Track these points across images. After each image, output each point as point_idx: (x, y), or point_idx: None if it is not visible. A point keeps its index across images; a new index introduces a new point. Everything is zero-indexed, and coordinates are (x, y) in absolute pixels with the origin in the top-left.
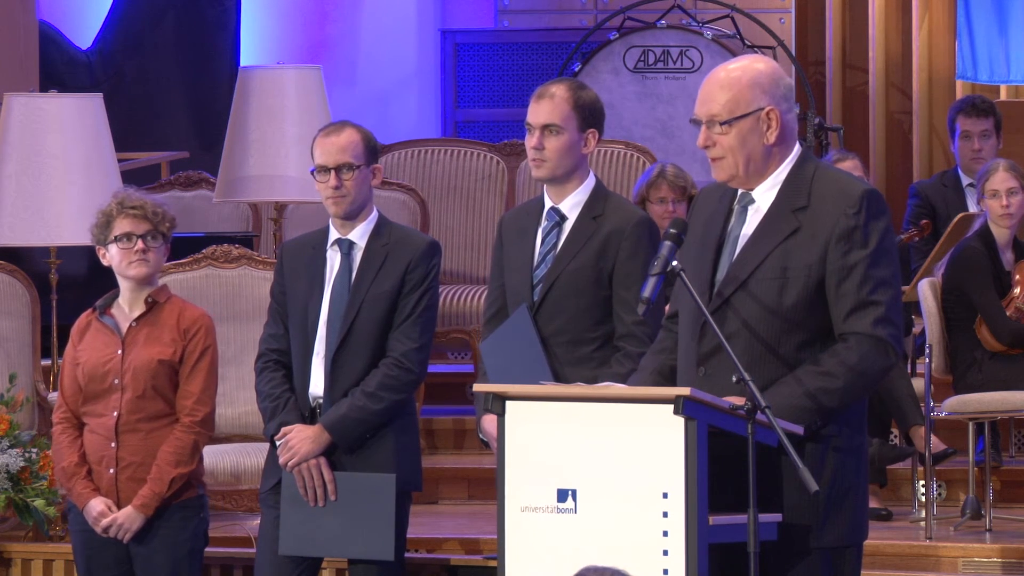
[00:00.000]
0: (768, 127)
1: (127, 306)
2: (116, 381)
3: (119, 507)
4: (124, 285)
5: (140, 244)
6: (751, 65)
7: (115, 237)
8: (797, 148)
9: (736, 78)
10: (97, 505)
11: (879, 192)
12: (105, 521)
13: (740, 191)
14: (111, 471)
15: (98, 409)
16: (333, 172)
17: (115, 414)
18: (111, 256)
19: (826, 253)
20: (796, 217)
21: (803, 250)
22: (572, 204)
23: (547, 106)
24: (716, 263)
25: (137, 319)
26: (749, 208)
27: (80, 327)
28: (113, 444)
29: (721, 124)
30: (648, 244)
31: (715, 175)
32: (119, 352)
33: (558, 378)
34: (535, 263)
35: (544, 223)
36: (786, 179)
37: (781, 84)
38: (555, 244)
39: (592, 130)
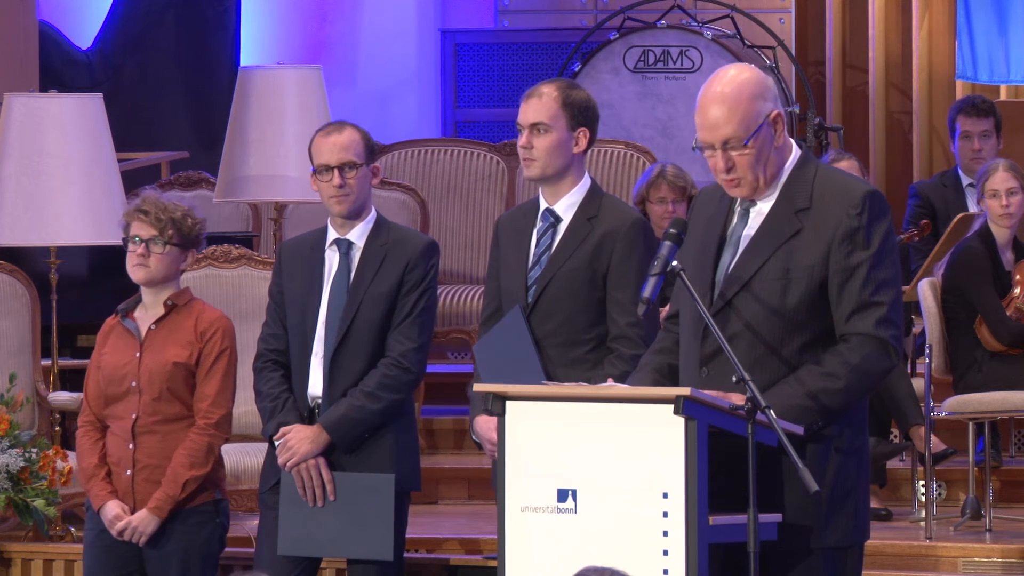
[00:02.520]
0: (776, 131)
1: (147, 309)
2: (134, 384)
3: (135, 509)
4: (143, 288)
5: (141, 248)
6: (739, 77)
7: (124, 238)
8: (797, 149)
9: (735, 95)
10: (112, 508)
11: (881, 192)
12: (120, 524)
13: None
14: (128, 473)
15: (118, 412)
16: (336, 171)
17: (133, 416)
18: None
19: (829, 254)
20: (798, 218)
21: (806, 251)
22: (567, 205)
23: (535, 105)
24: (717, 264)
25: (156, 322)
26: (751, 209)
27: (104, 331)
28: (131, 446)
29: (743, 145)
30: (643, 245)
31: (735, 194)
32: (137, 355)
33: (551, 380)
34: (530, 264)
35: (539, 224)
36: (787, 180)
37: (770, 85)
38: (550, 245)
39: (583, 129)
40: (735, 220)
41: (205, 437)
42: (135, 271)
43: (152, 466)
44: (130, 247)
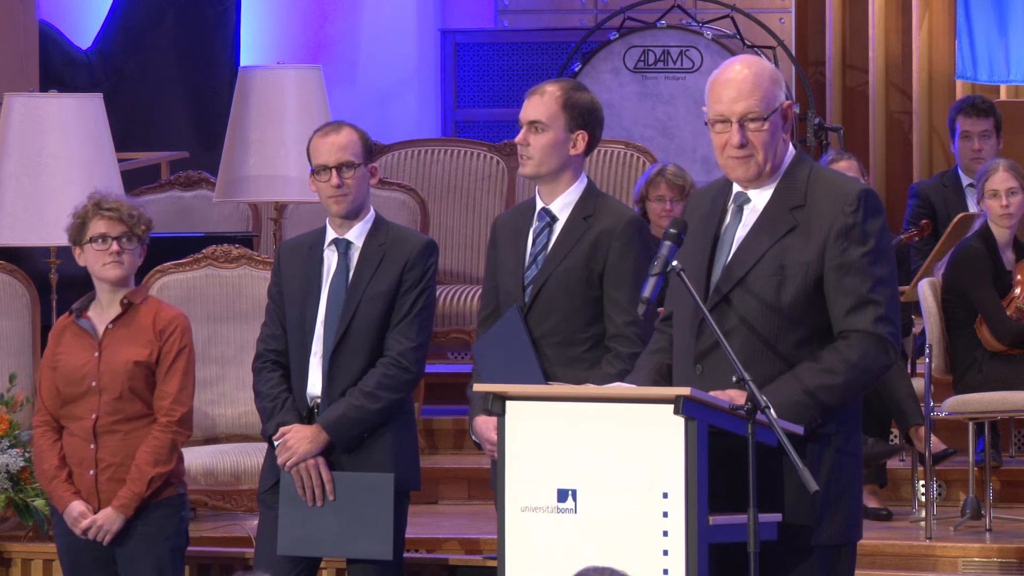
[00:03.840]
0: (786, 120)
1: (104, 308)
2: (93, 384)
3: (100, 509)
4: (100, 287)
5: (115, 246)
6: (759, 62)
7: (90, 238)
8: (792, 148)
9: (759, 74)
10: (77, 507)
11: (875, 191)
12: (84, 523)
13: (735, 191)
14: (91, 473)
15: (76, 412)
16: (334, 171)
17: (93, 416)
18: (86, 257)
19: (824, 251)
20: (793, 215)
21: (801, 248)
22: (563, 205)
23: (536, 103)
24: (711, 262)
25: (113, 321)
26: (745, 207)
27: (57, 330)
28: (92, 446)
29: (763, 120)
30: (639, 244)
31: (739, 174)
32: (96, 355)
33: (549, 379)
34: (526, 264)
35: (535, 223)
36: (782, 178)
37: (783, 79)
38: (546, 245)
39: (582, 131)
40: (728, 218)
41: (168, 434)
42: (109, 269)
43: (115, 465)
44: (97, 246)
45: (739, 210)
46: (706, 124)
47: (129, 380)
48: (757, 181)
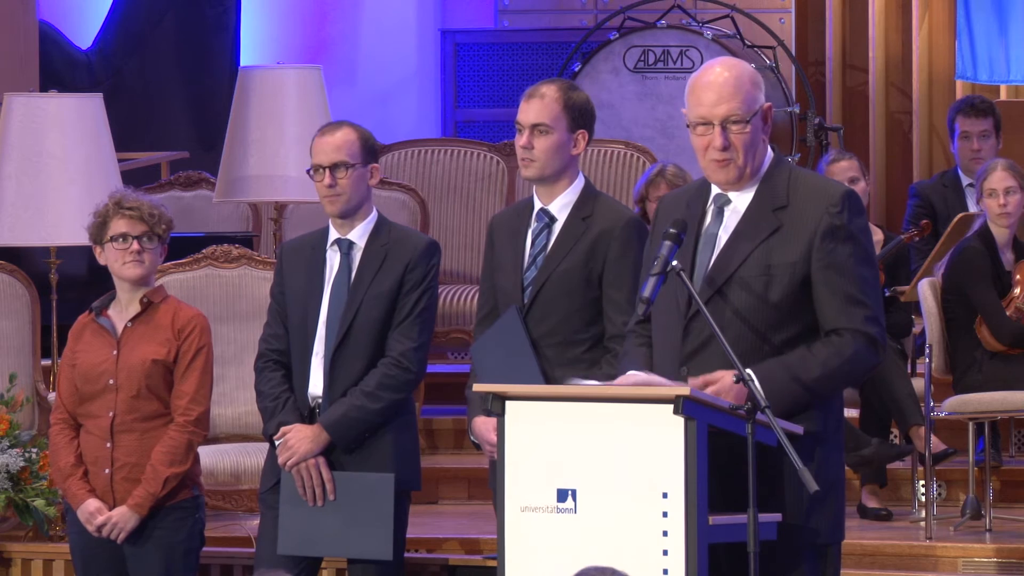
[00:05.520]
0: (765, 122)
1: (123, 307)
2: (111, 382)
3: (115, 508)
4: (120, 286)
5: (135, 245)
6: (739, 64)
7: (111, 237)
8: (770, 151)
9: (739, 77)
10: (92, 504)
11: (856, 192)
12: (98, 520)
13: (714, 192)
14: (107, 471)
15: (94, 410)
16: (327, 171)
17: (110, 414)
18: (107, 256)
19: (811, 251)
20: (776, 216)
21: (786, 248)
22: (561, 205)
23: (537, 106)
24: (693, 265)
25: (132, 319)
26: (726, 209)
27: (77, 329)
28: (108, 444)
29: (745, 122)
30: (637, 244)
31: (720, 177)
32: (114, 353)
33: (549, 380)
34: (525, 265)
35: (534, 224)
36: (762, 180)
37: (762, 80)
38: (545, 245)
39: (582, 131)
40: (709, 220)
41: (184, 434)
42: (129, 268)
43: (131, 464)
44: (117, 245)
45: (720, 212)
46: (687, 126)
47: (146, 379)
48: (738, 184)
